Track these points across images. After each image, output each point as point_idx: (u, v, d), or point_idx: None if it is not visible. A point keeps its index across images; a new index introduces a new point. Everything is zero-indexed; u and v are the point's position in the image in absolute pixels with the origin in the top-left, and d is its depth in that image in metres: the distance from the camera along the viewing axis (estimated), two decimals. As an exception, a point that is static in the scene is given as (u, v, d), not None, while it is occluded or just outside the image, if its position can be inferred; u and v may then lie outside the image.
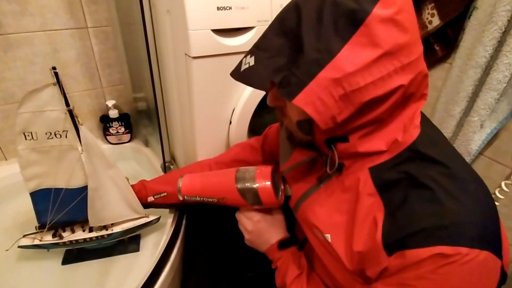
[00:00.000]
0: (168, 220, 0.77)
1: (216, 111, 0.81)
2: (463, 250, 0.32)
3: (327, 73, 0.35)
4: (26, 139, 0.60)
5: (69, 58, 0.99)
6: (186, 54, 0.70)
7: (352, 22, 0.35)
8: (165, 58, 0.83)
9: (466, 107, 0.79)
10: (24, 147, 0.61)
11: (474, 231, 0.34)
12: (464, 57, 0.76)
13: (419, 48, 0.38)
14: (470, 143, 0.79)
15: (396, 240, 0.36)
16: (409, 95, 0.40)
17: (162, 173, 0.94)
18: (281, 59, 0.39)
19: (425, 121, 0.43)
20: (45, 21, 0.91)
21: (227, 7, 0.67)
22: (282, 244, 0.57)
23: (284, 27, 0.40)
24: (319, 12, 0.36)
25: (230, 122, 0.84)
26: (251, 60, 0.41)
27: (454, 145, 0.83)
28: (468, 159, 0.81)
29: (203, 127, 0.81)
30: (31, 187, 0.65)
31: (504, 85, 0.71)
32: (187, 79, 0.74)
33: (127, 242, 0.80)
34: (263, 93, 0.82)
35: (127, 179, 0.73)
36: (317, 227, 0.47)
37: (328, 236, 0.45)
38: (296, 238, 0.59)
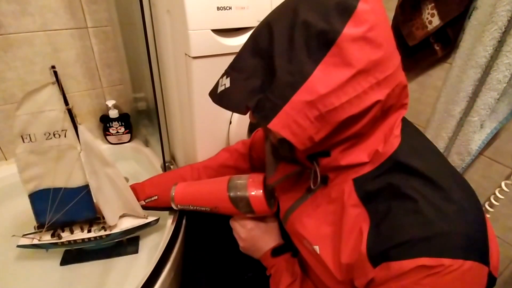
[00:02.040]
0: (168, 221, 0.77)
1: (216, 111, 0.79)
2: (446, 261, 0.32)
3: (300, 96, 0.35)
4: (24, 141, 0.60)
5: (69, 58, 0.99)
6: (186, 54, 0.70)
7: (324, 42, 0.34)
8: (165, 58, 0.83)
9: (466, 107, 0.79)
10: (22, 150, 0.61)
11: (458, 241, 0.33)
12: (464, 57, 0.76)
13: (395, 61, 0.38)
14: (470, 143, 0.79)
15: (381, 251, 0.36)
16: (388, 108, 0.40)
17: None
18: (255, 81, 0.39)
19: (408, 129, 0.43)
20: (45, 21, 0.91)
21: (227, 7, 0.67)
22: (276, 252, 0.57)
23: (257, 47, 0.39)
24: (290, 33, 0.36)
25: (230, 122, 0.84)
26: (226, 82, 0.41)
27: (454, 145, 0.83)
28: (468, 159, 0.81)
29: (203, 127, 0.81)
30: (29, 188, 0.65)
31: (504, 85, 0.71)
32: (187, 79, 0.74)
33: (126, 244, 0.80)
34: (263, 93, 0.82)
35: (127, 179, 0.73)
36: (306, 239, 0.47)
37: (317, 248, 0.45)
38: (290, 244, 0.59)
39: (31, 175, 0.64)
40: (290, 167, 0.52)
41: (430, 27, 0.80)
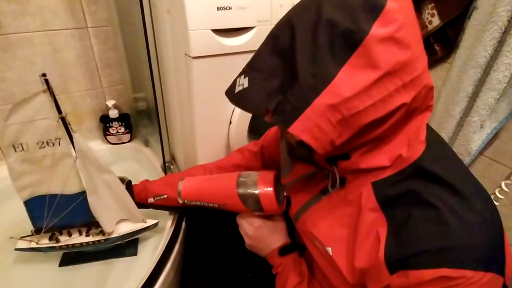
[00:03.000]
0: (167, 222, 0.77)
1: (216, 111, 0.81)
2: (468, 273, 0.32)
3: (323, 100, 0.34)
4: (16, 151, 0.58)
5: (69, 58, 0.99)
6: (186, 54, 0.70)
7: (349, 43, 0.33)
8: (165, 58, 0.83)
9: (466, 107, 0.79)
10: (15, 159, 0.59)
11: (479, 253, 0.33)
12: (464, 57, 0.76)
13: (423, 62, 0.37)
14: (470, 143, 0.79)
15: (399, 259, 0.35)
16: (412, 110, 0.38)
17: (162, 173, 0.94)
18: (275, 81, 0.37)
19: (431, 135, 0.42)
20: (45, 21, 0.91)
21: (227, 7, 0.67)
22: (283, 251, 0.56)
23: (277, 46, 0.38)
24: (314, 32, 0.34)
25: (230, 122, 0.84)
26: (245, 82, 0.39)
27: (454, 145, 0.83)
28: (468, 159, 0.81)
29: (203, 127, 0.81)
30: (24, 196, 0.64)
31: (504, 85, 0.71)
32: (187, 79, 0.74)
33: (125, 246, 0.79)
34: (263, 93, 0.82)
35: (127, 179, 0.73)
36: (318, 239, 0.47)
37: (329, 249, 0.45)
38: (297, 244, 0.59)
39: (25, 183, 0.62)
40: (306, 167, 0.51)
41: (430, 27, 0.80)
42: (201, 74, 0.72)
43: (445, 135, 0.84)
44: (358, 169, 0.41)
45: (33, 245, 0.69)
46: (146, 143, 1.15)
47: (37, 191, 0.64)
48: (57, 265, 0.75)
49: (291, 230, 0.61)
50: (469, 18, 0.76)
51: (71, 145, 0.60)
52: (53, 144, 0.59)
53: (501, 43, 0.69)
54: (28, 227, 0.71)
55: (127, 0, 0.85)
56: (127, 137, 1.15)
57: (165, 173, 0.94)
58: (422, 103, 0.39)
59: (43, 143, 0.59)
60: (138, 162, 1.14)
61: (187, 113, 0.82)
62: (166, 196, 0.71)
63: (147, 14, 0.69)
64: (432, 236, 0.34)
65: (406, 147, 0.39)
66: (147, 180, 0.77)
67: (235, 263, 0.72)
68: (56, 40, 0.95)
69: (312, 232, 0.48)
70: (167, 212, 0.79)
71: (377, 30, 0.32)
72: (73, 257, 0.77)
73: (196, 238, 0.76)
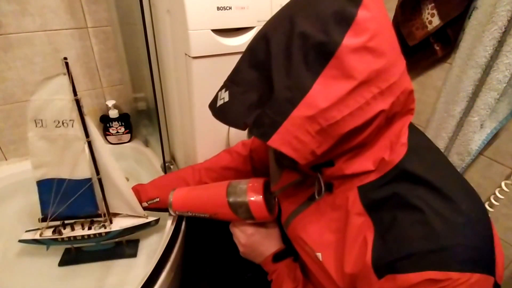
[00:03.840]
0: (167, 222, 0.77)
1: (216, 111, 0.80)
2: (454, 275, 0.32)
3: (300, 112, 0.34)
4: (36, 126, 0.62)
5: (69, 58, 0.98)
6: (186, 54, 0.70)
7: (322, 55, 0.33)
8: (165, 58, 0.83)
9: (466, 107, 0.79)
10: (34, 134, 0.62)
11: (466, 254, 0.33)
12: (464, 57, 0.76)
13: (400, 67, 0.37)
14: (470, 143, 0.79)
15: (386, 263, 0.36)
16: (393, 115, 0.39)
17: (162, 173, 0.94)
18: (253, 95, 0.38)
19: (415, 137, 0.42)
20: (45, 21, 0.91)
21: (227, 7, 0.67)
22: (277, 257, 0.56)
23: (255, 59, 0.38)
24: (287, 45, 0.34)
25: (230, 122, 0.84)
26: (225, 95, 0.40)
27: (454, 145, 0.83)
28: (468, 159, 0.81)
29: (203, 127, 0.81)
30: (38, 175, 0.66)
31: (504, 85, 0.71)
32: (187, 79, 0.74)
33: (125, 246, 0.79)
34: (263, 93, 0.82)
35: (127, 179, 0.73)
36: (308, 245, 0.47)
37: (319, 255, 0.45)
38: (291, 249, 0.59)
39: (40, 161, 0.65)
40: (294, 175, 0.51)
41: (430, 27, 0.80)
42: (201, 74, 0.72)
43: (445, 135, 0.84)
44: (343, 175, 0.41)
45: (37, 236, 0.70)
46: (146, 143, 1.15)
47: (49, 173, 0.66)
48: (57, 265, 0.75)
49: (285, 235, 0.61)
50: (469, 18, 0.76)
51: (82, 129, 0.62)
52: (67, 125, 0.62)
53: (501, 43, 0.69)
54: (29, 227, 0.71)
55: (127, 0, 0.85)
56: (127, 137, 1.15)
57: (165, 173, 0.94)
58: (402, 107, 0.39)
59: (59, 122, 0.62)
60: (138, 162, 1.14)
61: (187, 113, 0.82)
62: (158, 199, 0.71)
63: (147, 14, 0.69)
64: (417, 239, 0.34)
65: (389, 150, 0.39)
66: (139, 184, 0.77)
67: (235, 264, 0.72)
68: (56, 40, 0.95)
69: (302, 238, 0.48)
70: (167, 213, 0.79)
71: (349, 40, 0.33)
72: (73, 257, 0.77)
73: (196, 239, 0.76)
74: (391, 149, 0.40)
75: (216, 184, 0.61)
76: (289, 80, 0.34)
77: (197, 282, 0.69)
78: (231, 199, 0.56)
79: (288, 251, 0.58)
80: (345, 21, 0.33)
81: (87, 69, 1.04)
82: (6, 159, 1.01)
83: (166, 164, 0.94)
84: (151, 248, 0.80)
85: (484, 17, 0.71)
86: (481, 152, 0.82)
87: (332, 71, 0.33)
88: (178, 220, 0.78)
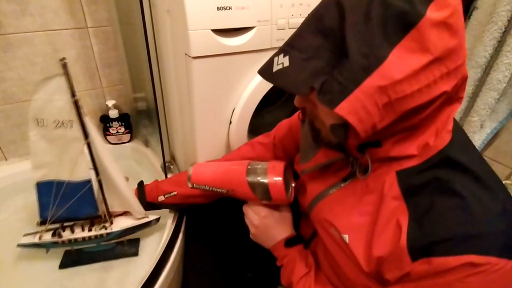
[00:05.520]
0: (167, 221, 0.77)
1: (216, 111, 0.81)
2: (493, 260, 0.32)
3: (373, 81, 0.33)
4: (38, 125, 0.62)
5: (69, 58, 0.98)
6: (186, 54, 0.70)
7: (403, 25, 0.32)
8: (165, 58, 0.83)
9: (466, 107, 0.79)
10: (36, 133, 0.62)
11: (504, 240, 0.34)
12: (464, 57, 0.77)
13: (465, 52, 0.36)
14: (470, 143, 0.79)
15: (423, 246, 0.36)
16: (446, 100, 0.38)
17: (162, 173, 0.94)
18: (319, 62, 0.36)
19: (456, 126, 0.42)
20: (45, 21, 0.91)
21: (227, 7, 0.67)
22: (289, 242, 0.56)
23: (322, 26, 0.37)
24: (367, 12, 0.33)
25: (230, 122, 0.84)
26: (284, 60, 0.38)
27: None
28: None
29: (203, 127, 0.81)
30: (38, 176, 0.66)
31: (504, 85, 0.71)
32: (187, 79, 0.74)
33: (126, 246, 0.79)
34: (263, 93, 0.82)
35: (127, 178, 0.73)
36: (335, 227, 0.47)
37: (346, 237, 0.44)
38: (302, 237, 0.59)
39: (40, 161, 0.65)
40: (330, 154, 0.50)
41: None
42: (201, 74, 0.72)
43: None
44: (387, 157, 0.41)
45: (36, 240, 0.70)
46: (146, 143, 1.15)
47: (49, 175, 0.66)
48: (57, 267, 0.75)
49: (295, 223, 0.61)
50: (469, 18, 0.76)
51: (81, 130, 0.62)
52: (66, 126, 0.62)
53: (501, 43, 0.69)
54: (29, 227, 0.71)
55: (127, 0, 0.85)
56: (127, 137, 1.15)
57: (165, 173, 0.94)
58: (455, 93, 0.38)
59: (58, 122, 0.62)
60: (138, 162, 1.14)
61: (187, 113, 0.82)
62: (176, 193, 0.71)
63: (147, 14, 0.69)
64: (458, 223, 0.35)
65: (434, 136, 0.39)
66: (157, 180, 0.77)
67: (235, 263, 0.72)
68: (56, 40, 0.95)
69: (329, 219, 0.48)
70: (167, 211, 0.79)
71: (432, 13, 0.32)
72: (73, 259, 0.76)
73: (196, 238, 0.76)
74: (436, 135, 0.39)
75: (237, 162, 0.61)
76: (365, 47, 0.33)
77: (198, 281, 0.69)
78: (250, 178, 0.56)
79: (300, 238, 0.58)
80: None
81: (87, 69, 1.04)
82: (6, 159, 1.02)
83: (166, 164, 0.94)
84: (152, 245, 0.80)
85: (484, 17, 0.71)
86: (481, 152, 0.82)
87: (410, 43, 0.32)
88: (179, 219, 0.78)
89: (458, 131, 0.42)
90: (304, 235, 0.62)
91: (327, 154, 0.51)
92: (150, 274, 0.63)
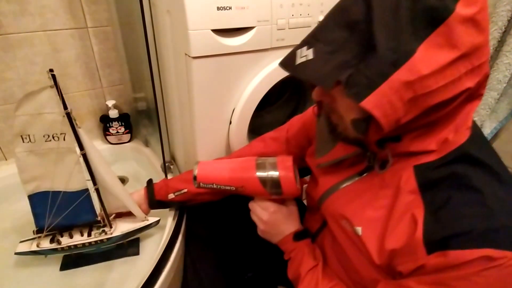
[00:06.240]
0: (168, 221, 0.77)
1: (216, 111, 0.81)
2: (510, 254, 0.33)
3: (401, 75, 0.33)
4: (23, 141, 0.60)
5: (69, 58, 0.99)
6: (186, 54, 0.70)
7: (432, 20, 0.32)
8: (165, 58, 0.83)
9: (466, 107, 0.78)
10: (22, 150, 0.60)
11: None
12: (464, 57, 0.76)
13: (489, 49, 0.37)
14: (470, 143, 0.79)
15: (439, 239, 0.36)
16: (468, 97, 0.38)
17: (162, 173, 0.94)
18: (344, 55, 0.36)
19: (474, 124, 0.43)
20: (45, 21, 0.91)
21: (227, 7, 0.67)
22: (297, 236, 0.57)
23: (347, 19, 0.36)
24: (395, 6, 0.33)
25: (230, 122, 0.84)
26: (308, 53, 0.38)
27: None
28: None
29: (203, 127, 0.81)
30: (29, 189, 0.64)
31: (504, 85, 0.71)
32: (187, 79, 0.74)
33: (127, 246, 0.79)
34: (263, 93, 0.82)
35: (127, 178, 0.73)
36: (348, 219, 0.47)
37: (359, 229, 0.45)
38: (309, 230, 0.59)
39: (30, 176, 0.63)
40: (346, 149, 0.50)
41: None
42: (201, 74, 0.72)
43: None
44: (406, 152, 0.41)
45: (34, 247, 0.69)
46: (146, 143, 1.15)
47: (41, 186, 0.65)
48: (58, 269, 0.74)
49: (302, 217, 0.61)
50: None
51: (75, 142, 0.61)
52: (58, 139, 0.60)
53: (501, 43, 0.69)
54: (29, 229, 0.71)
55: (127, 0, 0.85)
56: (127, 137, 1.15)
57: (165, 173, 0.94)
58: (477, 90, 0.39)
59: (49, 136, 0.60)
60: (138, 162, 1.14)
61: (187, 113, 0.82)
62: (186, 190, 0.71)
63: (147, 14, 0.69)
64: (475, 217, 0.35)
65: (453, 132, 0.40)
66: (164, 179, 0.77)
67: (235, 263, 0.72)
68: (56, 40, 0.95)
69: (341, 212, 0.48)
70: (167, 211, 0.79)
71: (461, 9, 0.32)
72: (74, 261, 0.76)
73: (196, 238, 0.76)
74: (456, 131, 0.40)
75: (243, 158, 0.61)
76: (394, 42, 0.33)
77: (198, 281, 0.69)
78: (260, 173, 0.56)
79: (307, 232, 0.58)
80: None
81: (87, 69, 1.04)
82: (6, 159, 1.02)
83: (166, 164, 0.94)
84: (152, 245, 0.80)
85: (484, 17, 0.71)
86: (481, 152, 0.82)
87: (438, 38, 0.33)
88: (179, 218, 0.78)
89: (475, 128, 0.43)
90: (309, 229, 0.62)
91: (344, 148, 0.51)
92: (150, 274, 0.63)
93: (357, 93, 0.35)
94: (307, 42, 0.39)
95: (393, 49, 0.33)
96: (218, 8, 0.66)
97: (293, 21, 0.77)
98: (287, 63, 0.41)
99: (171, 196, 0.73)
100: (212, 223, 0.77)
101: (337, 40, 0.37)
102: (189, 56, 0.69)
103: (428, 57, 0.33)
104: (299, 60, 0.39)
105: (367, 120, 0.38)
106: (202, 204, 0.75)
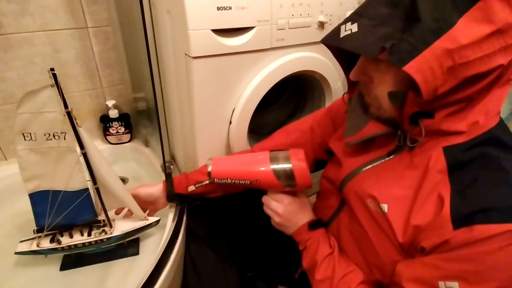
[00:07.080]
0: (168, 221, 0.77)
1: (216, 111, 0.81)
2: None
3: (442, 43, 0.35)
4: (25, 139, 0.60)
5: (69, 58, 0.99)
6: (186, 54, 0.70)
7: None
8: (165, 58, 0.83)
9: (466, 107, 0.79)
10: (24, 148, 0.61)
11: None
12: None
13: None
14: (470, 143, 0.79)
15: (465, 214, 0.37)
16: (497, 77, 0.40)
17: (162, 173, 0.94)
18: (388, 28, 0.39)
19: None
20: (45, 21, 0.91)
21: (227, 7, 0.67)
22: (312, 225, 0.58)
23: None
24: None
25: (230, 122, 0.84)
26: (353, 27, 0.41)
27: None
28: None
29: (203, 127, 0.81)
30: (30, 188, 0.65)
31: (504, 85, 0.71)
32: (187, 79, 0.74)
33: (127, 246, 0.79)
34: (263, 93, 0.82)
35: (127, 179, 0.73)
36: (374, 197, 0.48)
37: (385, 207, 0.46)
38: (322, 220, 0.61)
39: (31, 174, 0.64)
40: (377, 128, 0.51)
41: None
42: (201, 74, 0.73)
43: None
44: (437, 130, 0.43)
45: (34, 247, 0.69)
46: (146, 143, 1.15)
47: (42, 185, 0.65)
48: (58, 269, 0.74)
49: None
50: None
51: (76, 141, 0.61)
52: (59, 138, 0.60)
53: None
54: (29, 228, 0.71)
55: (127, 0, 0.85)
56: (127, 137, 1.15)
57: (165, 173, 0.94)
58: (506, 72, 0.40)
59: (49, 135, 0.60)
60: (138, 162, 1.14)
61: (187, 113, 0.82)
62: (207, 182, 0.71)
63: (147, 14, 0.69)
64: (501, 195, 0.37)
65: (484, 115, 0.41)
66: (183, 173, 0.77)
67: (235, 263, 0.72)
68: (56, 40, 0.95)
69: (368, 191, 0.49)
70: (168, 210, 0.79)
71: None
72: (74, 260, 0.76)
73: (196, 238, 0.76)
74: (486, 114, 0.42)
75: (255, 153, 0.62)
76: (436, 13, 0.36)
77: (198, 281, 0.69)
78: (275, 165, 0.57)
79: (321, 221, 0.60)
80: None
81: (87, 69, 1.04)
82: (6, 159, 1.02)
83: (166, 164, 0.94)
84: (152, 245, 0.80)
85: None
86: (481, 152, 0.82)
87: (476, 13, 0.35)
88: (179, 218, 0.78)
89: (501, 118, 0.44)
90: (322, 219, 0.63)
91: (375, 126, 0.52)
92: (150, 274, 0.63)
93: (400, 59, 0.37)
94: (351, 18, 0.42)
95: (436, 19, 0.36)
96: (218, 8, 0.66)
97: (293, 21, 0.77)
98: (330, 37, 0.44)
99: (191, 188, 0.73)
100: (212, 223, 0.77)
101: (381, 15, 0.40)
102: (189, 56, 0.69)
103: (467, 29, 0.35)
104: (343, 34, 0.42)
105: (403, 92, 0.41)
106: (218, 198, 0.75)
